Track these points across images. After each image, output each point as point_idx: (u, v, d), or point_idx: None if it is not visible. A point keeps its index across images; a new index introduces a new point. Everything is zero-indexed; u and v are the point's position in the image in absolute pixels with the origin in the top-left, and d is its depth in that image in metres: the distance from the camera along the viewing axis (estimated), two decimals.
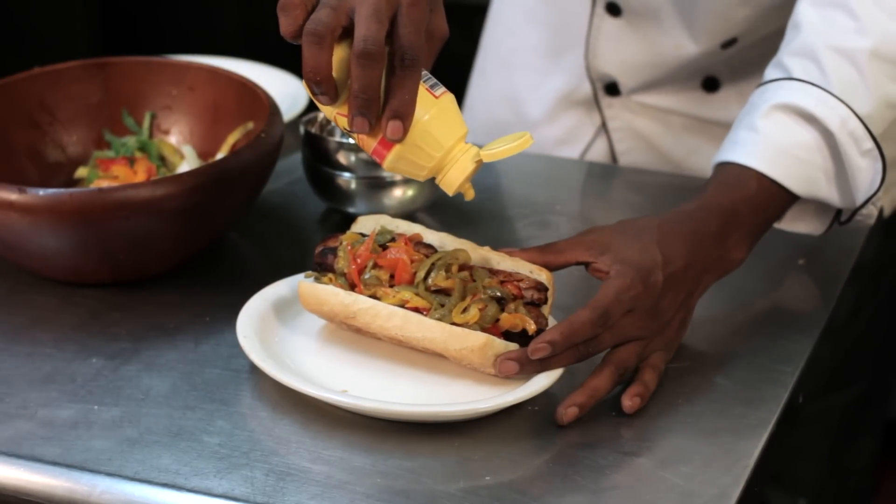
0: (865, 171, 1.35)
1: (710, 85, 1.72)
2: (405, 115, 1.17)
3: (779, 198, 1.35)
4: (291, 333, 1.32)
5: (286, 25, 1.16)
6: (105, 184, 1.50)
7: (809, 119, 1.35)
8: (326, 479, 1.15)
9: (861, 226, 1.51)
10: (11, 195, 1.33)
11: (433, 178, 1.55)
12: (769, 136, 1.35)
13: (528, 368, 1.23)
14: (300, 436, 1.20)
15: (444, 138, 1.20)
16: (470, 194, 1.24)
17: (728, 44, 1.66)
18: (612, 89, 1.76)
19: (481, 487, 1.14)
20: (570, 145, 1.82)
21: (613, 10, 1.70)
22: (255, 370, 1.28)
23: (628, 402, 1.23)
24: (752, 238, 1.34)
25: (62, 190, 1.35)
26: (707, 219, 1.31)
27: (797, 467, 1.31)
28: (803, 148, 1.35)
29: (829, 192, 1.37)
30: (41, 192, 1.34)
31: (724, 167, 1.36)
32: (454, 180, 1.22)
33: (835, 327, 1.43)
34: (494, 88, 1.89)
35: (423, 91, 1.18)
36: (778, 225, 1.40)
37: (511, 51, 1.86)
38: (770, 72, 1.40)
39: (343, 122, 1.19)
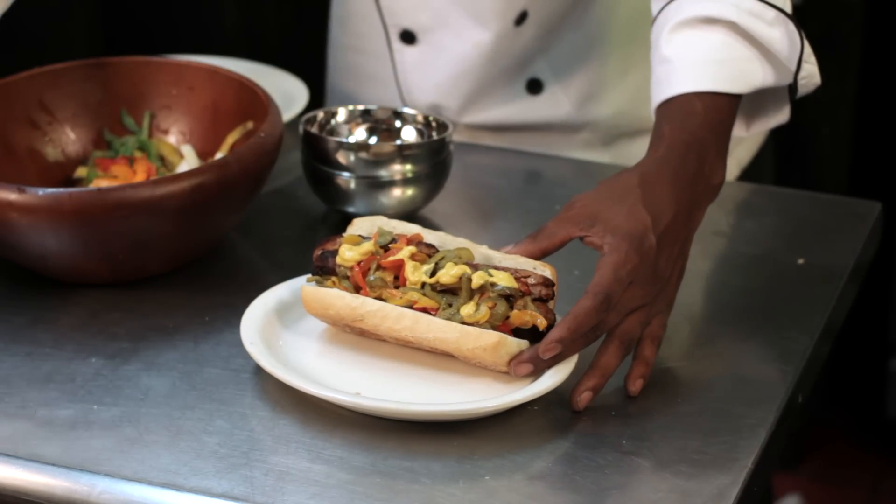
0: (781, 38, 1.35)
1: (534, 87, 1.73)
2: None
3: (726, 105, 1.34)
4: (295, 337, 1.32)
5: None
6: (104, 183, 1.50)
7: (707, 21, 1.34)
8: (326, 478, 1.15)
9: (860, 225, 1.51)
10: (11, 195, 1.33)
11: (431, 178, 1.55)
12: (682, 57, 1.34)
13: (542, 366, 1.23)
14: (300, 435, 1.20)
15: None
16: None
17: (520, 19, 1.66)
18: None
19: (480, 487, 1.14)
20: None
21: (408, 37, 1.72)
22: (254, 370, 1.28)
23: (632, 386, 1.24)
24: (722, 157, 1.33)
25: (62, 190, 1.35)
26: (682, 156, 1.30)
27: None
28: (717, 49, 1.34)
29: (764, 77, 1.36)
30: (41, 191, 1.34)
31: (663, 106, 1.35)
32: None
33: (834, 327, 1.43)
34: None
35: None
36: (747, 133, 1.40)
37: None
38: (654, 6, 1.40)
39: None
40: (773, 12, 1.35)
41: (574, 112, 1.73)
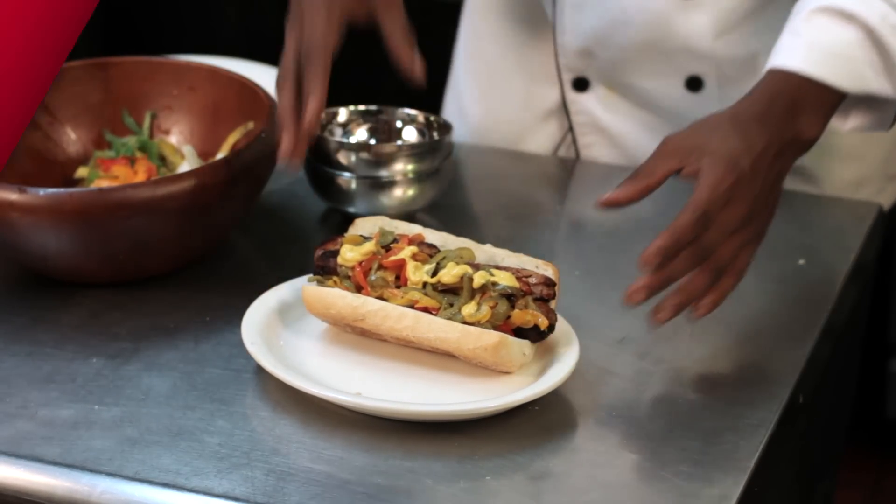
0: None
1: (694, 84, 1.71)
2: None
3: (827, 96, 1.36)
4: (296, 337, 1.32)
5: None
6: (105, 184, 1.50)
7: (849, 18, 1.36)
8: (327, 478, 1.15)
9: (860, 225, 1.50)
10: (11, 195, 1.33)
11: (432, 178, 1.55)
12: (810, 38, 1.36)
13: (655, 284, 1.24)
14: (301, 435, 1.20)
15: None
16: None
17: None
18: (581, 84, 1.75)
19: (481, 487, 1.15)
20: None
21: None
22: (255, 370, 1.28)
23: (700, 310, 1.27)
24: (822, 115, 1.35)
25: (62, 190, 1.35)
26: (772, 99, 1.33)
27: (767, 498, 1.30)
28: (845, 45, 1.36)
29: (879, 85, 1.37)
30: (41, 192, 1.34)
31: (770, 74, 1.37)
32: None
33: (834, 327, 1.43)
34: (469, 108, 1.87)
35: None
36: (844, 127, 1.41)
37: (485, 74, 1.84)
38: None
39: None
40: None
41: None
